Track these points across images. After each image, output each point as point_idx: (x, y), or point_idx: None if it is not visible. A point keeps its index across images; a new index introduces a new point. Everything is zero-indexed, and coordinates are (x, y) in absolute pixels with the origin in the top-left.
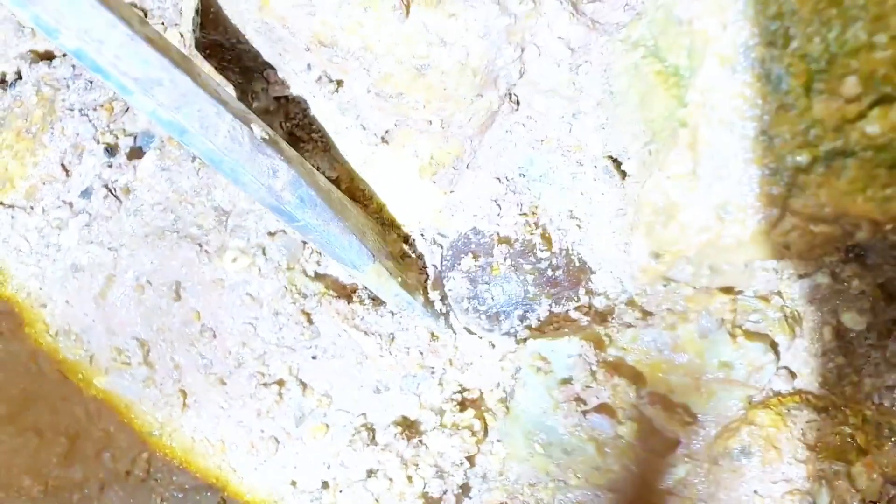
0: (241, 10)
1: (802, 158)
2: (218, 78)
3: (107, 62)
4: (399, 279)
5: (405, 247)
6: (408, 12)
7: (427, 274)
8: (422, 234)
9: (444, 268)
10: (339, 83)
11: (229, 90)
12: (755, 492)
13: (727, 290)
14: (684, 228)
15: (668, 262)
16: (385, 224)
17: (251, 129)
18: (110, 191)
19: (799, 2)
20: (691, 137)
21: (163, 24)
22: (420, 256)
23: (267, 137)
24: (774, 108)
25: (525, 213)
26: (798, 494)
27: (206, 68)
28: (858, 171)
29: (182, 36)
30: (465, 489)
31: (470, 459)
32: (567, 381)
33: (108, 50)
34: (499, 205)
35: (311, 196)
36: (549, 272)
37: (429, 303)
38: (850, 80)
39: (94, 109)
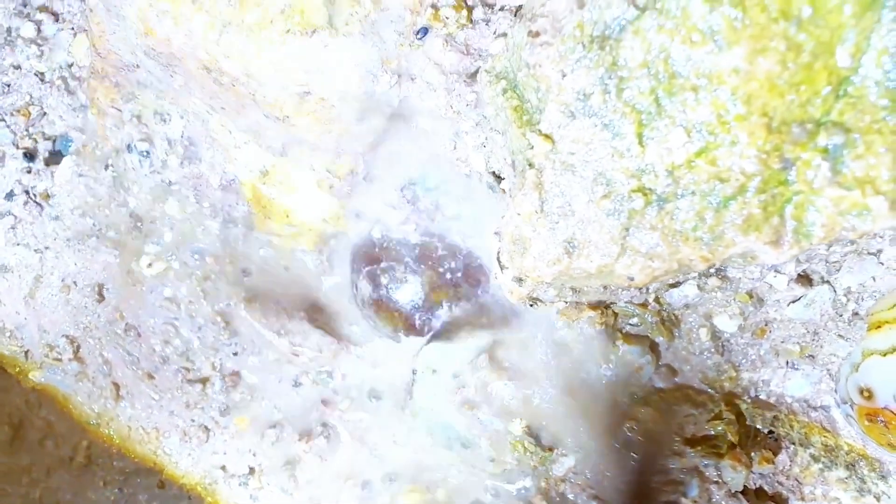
0: (129, 38)
1: (637, 201)
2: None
3: None
4: None
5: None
6: (285, 43)
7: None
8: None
9: (351, 271)
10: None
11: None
12: (638, 481)
13: (596, 306)
14: (536, 260)
15: (530, 287)
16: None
17: None
18: (30, 196)
19: (630, 57)
20: (537, 178)
21: (72, 29)
22: None
23: None
24: (609, 153)
25: (425, 220)
26: (672, 485)
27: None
28: (688, 214)
29: (93, 45)
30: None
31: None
32: (459, 385)
33: None
34: (398, 212)
35: None
36: (448, 275)
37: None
38: (678, 129)
39: (11, 115)
